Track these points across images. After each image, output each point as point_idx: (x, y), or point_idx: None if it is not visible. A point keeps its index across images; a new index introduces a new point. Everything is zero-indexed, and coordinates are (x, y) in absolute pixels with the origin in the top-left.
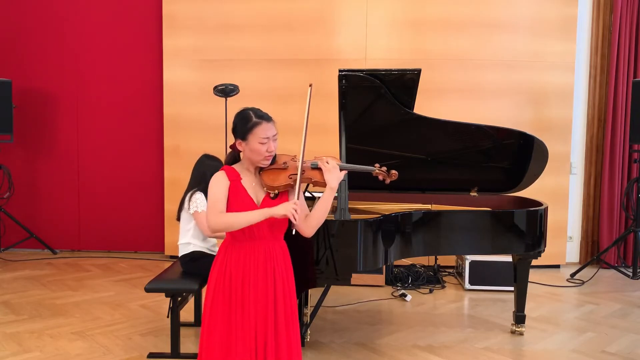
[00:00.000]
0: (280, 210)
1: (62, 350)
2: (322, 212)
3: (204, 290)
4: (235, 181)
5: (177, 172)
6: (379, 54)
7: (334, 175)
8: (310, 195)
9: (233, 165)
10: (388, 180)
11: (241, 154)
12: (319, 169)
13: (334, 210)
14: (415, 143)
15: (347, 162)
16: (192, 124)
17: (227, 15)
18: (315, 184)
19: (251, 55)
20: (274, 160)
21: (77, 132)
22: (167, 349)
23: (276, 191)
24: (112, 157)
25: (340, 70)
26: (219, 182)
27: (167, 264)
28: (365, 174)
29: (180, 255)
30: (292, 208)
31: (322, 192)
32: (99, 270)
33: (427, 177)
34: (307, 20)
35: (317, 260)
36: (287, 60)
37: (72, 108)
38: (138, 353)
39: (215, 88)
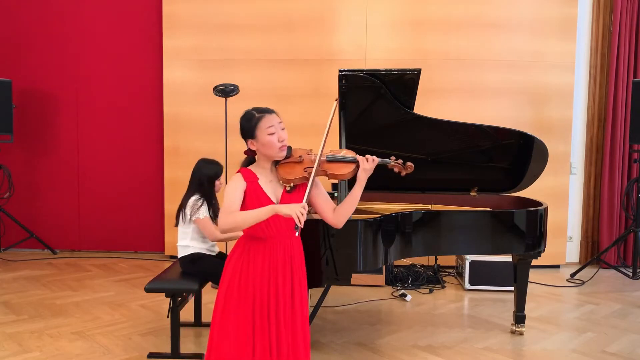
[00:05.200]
0: (285, 209)
1: (62, 350)
2: (351, 206)
3: (204, 290)
4: (252, 182)
5: (177, 172)
6: (379, 54)
7: (369, 173)
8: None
9: (249, 167)
10: (404, 173)
11: (257, 156)
12: (336, 162)
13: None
14: (415, 143)
15: None
16: (192, 124)
17: (227, 15)
18: (332, 176)
19: (251, 55)
20: (290, 153)
21: (77, 132)
22: (167, 349)
23: (292, 184)
24: (112, 157)
25: (340, 70)
26: (235, 184)
27: (167, 264)
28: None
29: (179, 256)
30: (298, 210)
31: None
32: (99, 270)
33: (427, 177)
34: (307, 20)
35: (317, 260)
36: (287, 60)
37: (72, 108)
38: (138, 353)
39: (215, 88)
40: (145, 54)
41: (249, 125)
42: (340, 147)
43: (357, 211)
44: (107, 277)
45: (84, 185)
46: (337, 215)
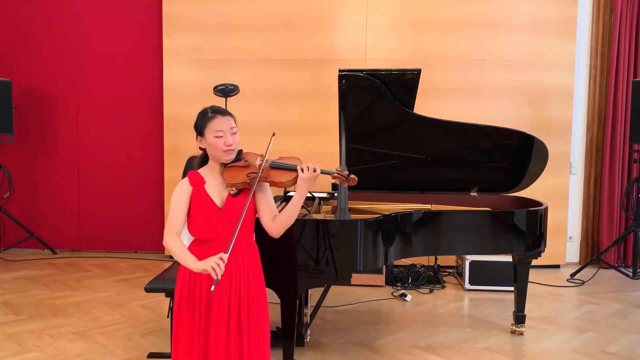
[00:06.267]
0: (197, 265)
1: (62, 350)
2: (290, 216)
3: None
4: (198, 186)
5: (177, 172)
6: (379, 54)
7: (308, 183)
8: (310, 195)
9: (200, 169)
10: (346, 184)
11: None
12: (278, 169)
13: (334, 210)
14: (415, 143)
15: (348, 162)
16: (192, 124)
17: (227, 15)
18: (272, 184)
19: (251, 55)
20: (239, 156)
21: (77, 132)
22: (167, 349)
23: (234, 189)
24: (112, 157)
25: (340, 70)
26: (181, 192)
27: (167, 264)
28: (365, 173)
29: None
30: (213, 263)
31: (323, 193)
32: (99, 270)
33: (427, 177)
34: (307, 20)
35: (317, 260)
36: (287, 60)
37: (72, 108)
38: (138, 353)
39: (215, 88)
40: (145, 54)
41: (201, 122)
42: (340, 147)
43: (357, 211)
44: (107, 277)
45: (84, 185)
46: (275, 223)
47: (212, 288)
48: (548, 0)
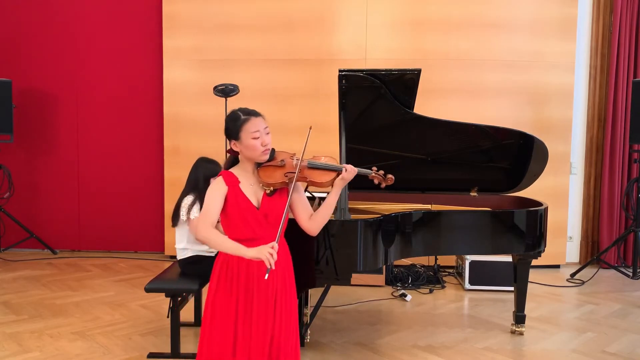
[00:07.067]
0: (252, 253)
1: (62, 350)
2: (327, 213)
3: (204, 290)
4: (233, 186)
5: (177, 172)
6: (379, 54)
7: (346, 182)
8: (309, 195)
9: (232, 169)
10: (384, 184)
11: (239, 156)
12: (317, 169)
13: (334, 210)
14: (415, 143)
15: (347, 162)
16: (192, 124)
17: (227, 15)
18: (311, 183)
19: (251, 55)
20: (273, 156)
21: (77, 132)
22: (167, 349)
23: (272, 188)
24: (112, 157)
25: (340, 70)
26: (217, 189)
27: (167, 264)
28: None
29: (178, 258)
30: (267, 252)
31: (323, 193)
32: (99, 270)
33: (427, 177)
34: (307, 20)
35: (317, 260)
36: (287, 60)
37: (72, 108)
38: (138, 353)
39: (215, 88)
40: (145, 53)
41: (234, 126)
42: (341, 147)
43: (357, 211)
44: (107, 277)
45: (84, 185)
46: (312, 221)
47: (266, 276)
48: (548, 0)
